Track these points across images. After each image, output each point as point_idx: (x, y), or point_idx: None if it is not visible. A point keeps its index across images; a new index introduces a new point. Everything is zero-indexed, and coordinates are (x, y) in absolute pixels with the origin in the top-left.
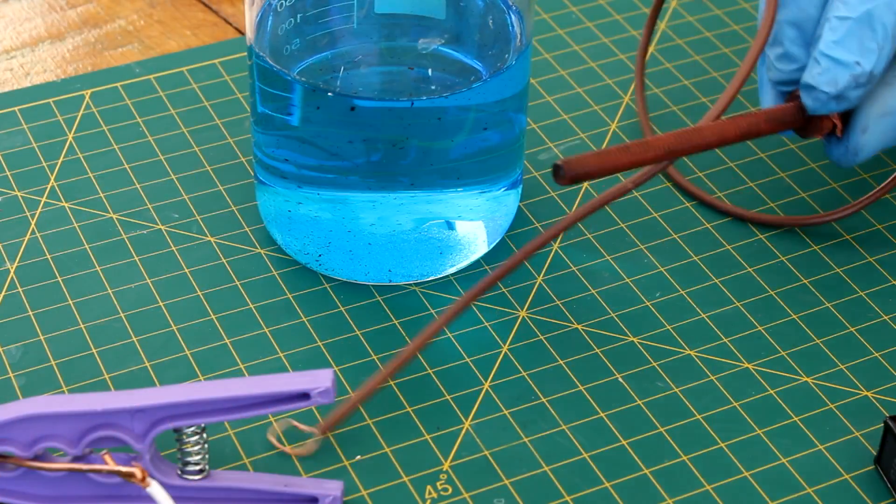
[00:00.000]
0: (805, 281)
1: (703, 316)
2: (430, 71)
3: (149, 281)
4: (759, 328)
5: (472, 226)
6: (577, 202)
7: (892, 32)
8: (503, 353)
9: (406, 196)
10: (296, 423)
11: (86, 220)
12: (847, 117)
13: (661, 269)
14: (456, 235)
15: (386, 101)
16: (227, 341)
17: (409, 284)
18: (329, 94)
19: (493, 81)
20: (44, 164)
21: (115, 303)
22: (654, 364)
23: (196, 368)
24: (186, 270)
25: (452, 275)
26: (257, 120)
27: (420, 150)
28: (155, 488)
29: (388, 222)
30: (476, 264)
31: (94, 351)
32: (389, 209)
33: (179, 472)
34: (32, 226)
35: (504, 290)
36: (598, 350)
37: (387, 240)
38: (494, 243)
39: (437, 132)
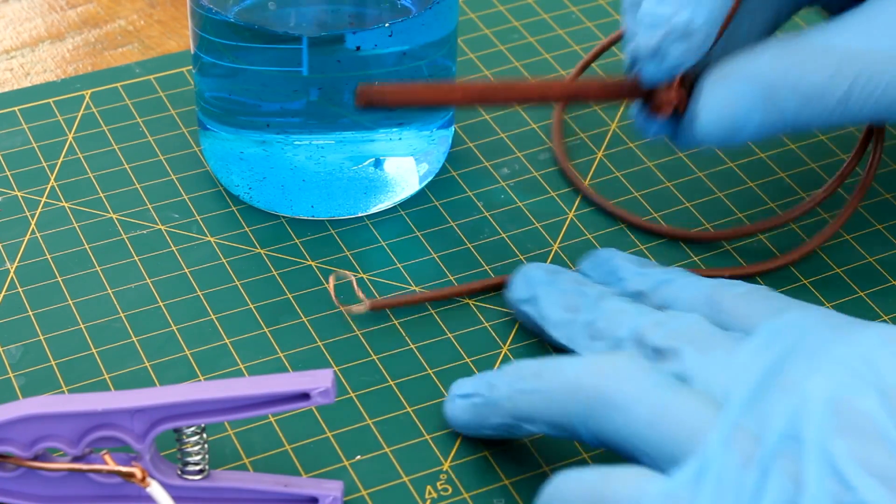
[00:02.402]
0: (805, 281)
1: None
2: (361, 8)
3: (149, 281)
4: None
5: (405, 165)
6: (575, 203)
7: None
8: (503, 353)
9: (344, 135)
10: (354, 284)
11: (86, 220)
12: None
13: None
14: (386, 175)
15: (319, 41)
16: (227, 341)
17: (408, 285)
18: (264, 34)
19: (421, 20)
20: (44, 164)
21: (115, 303)
22: None
23: (196, 368)
24: (186, 270)
25: (376, 216)
26: (197, 65)
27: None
28: (155, 488)
29: (325, 161)
30: (394, 209)
31: (94, 351)
32: (327, 149)
33: (179, 472)
34: (32, 226)
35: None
36: None
37: (321, 178)
38: (425, 183)
39: (372, 71)
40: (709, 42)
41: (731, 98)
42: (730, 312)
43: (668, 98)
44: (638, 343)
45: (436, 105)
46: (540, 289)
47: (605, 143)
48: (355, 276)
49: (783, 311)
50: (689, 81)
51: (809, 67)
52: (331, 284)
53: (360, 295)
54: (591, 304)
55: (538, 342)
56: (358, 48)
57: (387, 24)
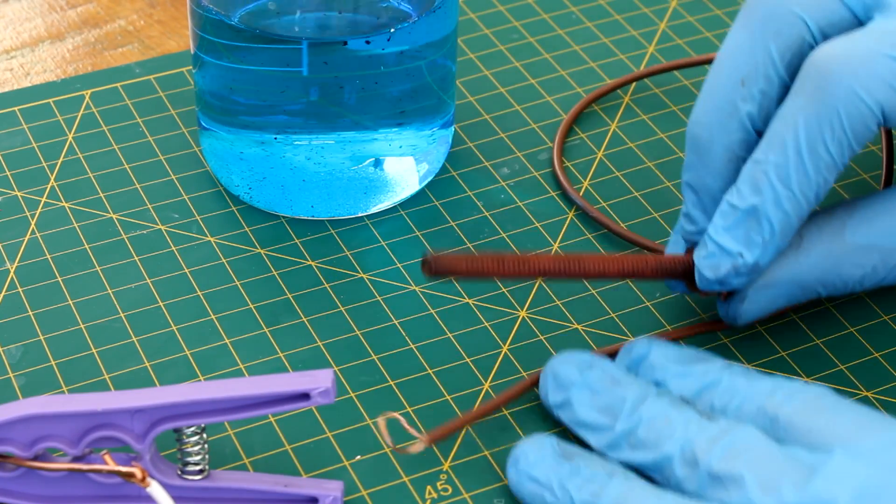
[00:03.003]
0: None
1: (703, 316)
2: (362, 14)
3: (149, 281)
4: (759, 328)
5: (405, 165)
6: (575, 203)
7: (779, 228)
8: (503, 353)
9: (344, 135)
10: (403, 422)
11: (86, 220)
12: None
13: None
14: (386, 175)
15: (321, 43)
16: (227, 341)
17: (408, 285)
18: (267, 37)
19: (422, 22)
20: (44, 164)
21: (115, 303)
22: None
23: (196, 368)
24: (186, 270)
25: (378, 215)
26: (197, 65)
27: (357, 90)
28: (155, 488)
29: (325, 161)
30: (394, 209)
31: (94, 351)
32: (327, 149)
33: (179, 472)
34: (32, 226)
35: (504, 290)
36: (597, 350)
37: (321, 178)
38: (426, 183)
39: (372, 72)
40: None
41: (772, 300)
42: (787, 428)
43: (713, 292)
44: (690, 464)
45: (502, 278)
46: (573, 392)
47: (606, 143)
48: (401, 414)
49: (853, 429)
50: None
51: (849, 267)
52: (382, 427)
53: (413, 431)
54: (629, 409)
55: (538, 342)
56: (358, 50)
57: (392, 30)
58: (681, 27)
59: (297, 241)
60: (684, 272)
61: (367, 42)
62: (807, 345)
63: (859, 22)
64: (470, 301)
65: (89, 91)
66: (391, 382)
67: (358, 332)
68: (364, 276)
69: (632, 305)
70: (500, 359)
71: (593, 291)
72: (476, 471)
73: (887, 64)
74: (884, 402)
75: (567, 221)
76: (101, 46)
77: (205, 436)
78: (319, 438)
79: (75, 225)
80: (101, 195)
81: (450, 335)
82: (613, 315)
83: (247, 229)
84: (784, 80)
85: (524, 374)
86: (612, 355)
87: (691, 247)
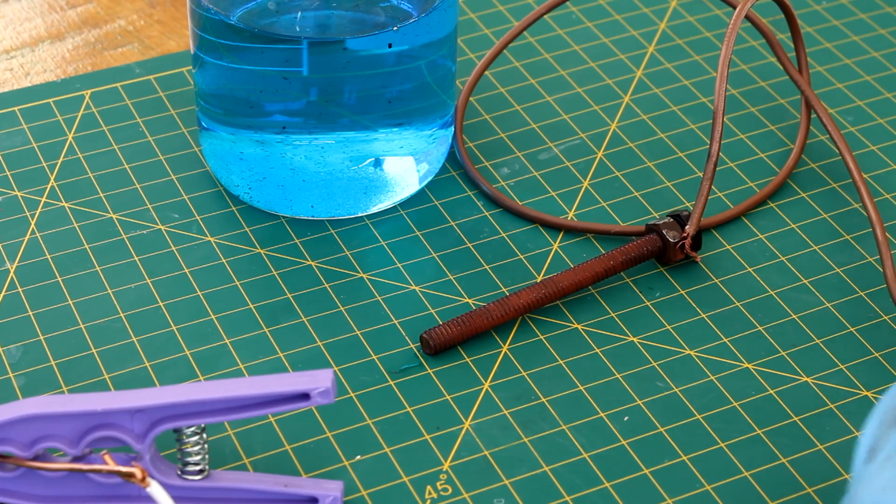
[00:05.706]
0: (805, 281)
1: (703, 316)
2: (363, 13)
3: (149, 281)
4: (759, 328)
5: (404, 165)
6: (575, 203)
7: None
8: (503, 353)
9: (344, 135)
10: None
11: (86, 220)
12: (698, 239)
13: (661, 269)
14: (386, 175)
15: (322, 42)
16: (227, 341)
17: (408, 285)
18: (264, 34)
19: (422, 22)
20: (44, 164)
21: (115, 303)
22: (654, 364)
23: (196, 368)
24: (186, 270)
25: (379, 215)
26: (197, 65)
27: (356, 90)
28: (155, 488)
29: (325, 161)
30: (394, 209)
31: (94, 351)
32: (327, 149)
33: (179, 472)
34: (32, 226)
35: (504, 289)
36: (598, 350)
37: (321, 178)
38: (425, 183)
39: (372, 71)
40: None
41: None
42: None
43: (678, 254)
44: None
45: (493, 326)
46: None
47: (606, 143)
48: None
49: None
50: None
51: None
52: None
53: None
54: None
55: (538, 342)
56: (358, 49)
57: (393, 29)
58: (681, 27)
59: (297, 241)
60: (651, 252)
61: (367, 42)
62: (807, 344)
63: None
64: (470, 301)
65: (89, 91)
66: (391, 382)
67: (358, 332)
68: (364, 276)
69: (632, 305)
70: (500, 358)
71: (593, 291)
72: (476, 471)
73: None
74: None
75: None
76: (101, 46)
77: (205, 436)
78: (319, 438)
79: (75, 225)
80: (101, 195)
81: None
82: (613, 315)
83: (247, 229)
84: None
85: (523, 373)
86: None
87: (652, 226)
